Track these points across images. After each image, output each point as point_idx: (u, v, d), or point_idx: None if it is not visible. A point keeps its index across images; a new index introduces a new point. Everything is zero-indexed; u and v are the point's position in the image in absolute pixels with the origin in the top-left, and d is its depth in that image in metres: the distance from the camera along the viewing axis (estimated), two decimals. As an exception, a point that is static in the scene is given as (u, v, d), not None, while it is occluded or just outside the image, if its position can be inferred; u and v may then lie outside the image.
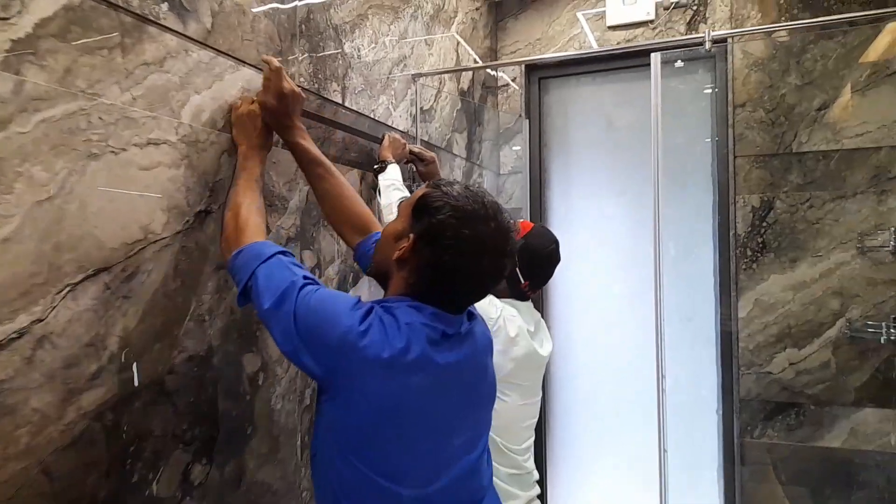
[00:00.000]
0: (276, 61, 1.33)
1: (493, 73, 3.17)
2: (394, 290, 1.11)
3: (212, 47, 1.30)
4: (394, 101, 2.10)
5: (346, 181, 1.40)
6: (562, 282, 3.18)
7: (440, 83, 2.48)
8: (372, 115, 1.95)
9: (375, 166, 1.84)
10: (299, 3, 1.60)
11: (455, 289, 1.07)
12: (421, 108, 2.30)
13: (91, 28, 1.04)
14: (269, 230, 1.44)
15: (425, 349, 1.00)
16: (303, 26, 1.61)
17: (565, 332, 3.18)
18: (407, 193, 1.75)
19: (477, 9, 2.93)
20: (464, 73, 2.76)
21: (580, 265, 3.15)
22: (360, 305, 1.03)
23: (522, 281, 1.66)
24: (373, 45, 1.96)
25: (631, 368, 2.99)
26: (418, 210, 1.07)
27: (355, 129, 1.84)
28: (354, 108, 1.85)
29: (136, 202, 1.12)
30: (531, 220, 3.09)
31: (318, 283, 1.09)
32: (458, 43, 2.69)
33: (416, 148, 2.03)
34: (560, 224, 3.20)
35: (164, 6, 1.18)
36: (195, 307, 1.25)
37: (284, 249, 1.16)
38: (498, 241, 1.04)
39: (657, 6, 2.91)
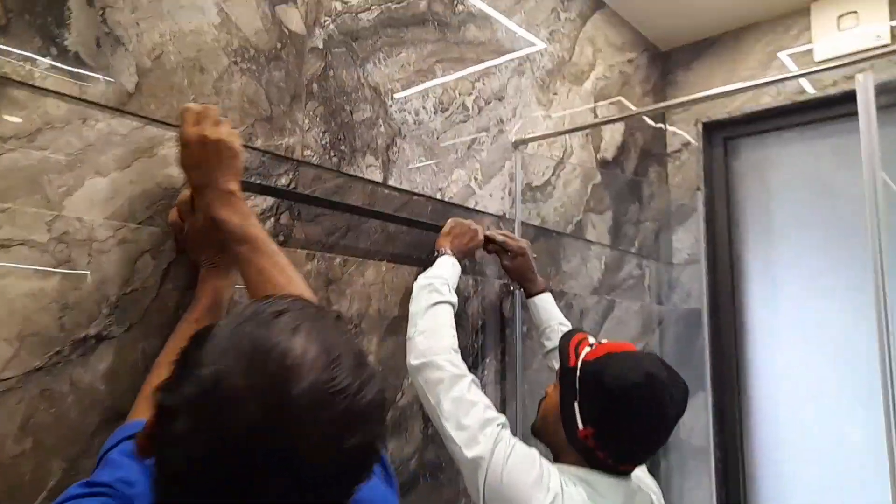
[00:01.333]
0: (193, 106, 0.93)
1: (662, 127, 2.54)
2: None
3: (134, 114, 0.97)
4: (479, 177, 1.62)
5: (285, 264, 0.91)
6: (766, 421, 2.29)
7: (563, 152, 1.94)
8: (439, 196, 1.49)
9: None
10: (310, 57, 1.23)
11: None
12: (528, 185, 1.78)
13: None
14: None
15: None
16: (314, 85, 1.24)
17: (774, 498, 2.25)
18: (448, 299, 1.24)
19: (629, 61, 2.36)
20: (610, 139, 2.19)
21: (796, 397, 2.24)
22: None
23: (580, 428, 1.04)
24: (443, 107, 1.52)
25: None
26: None
27: (403, 216, 1.39)
28: (406, 187, 1.41)
29: (-52, 331, 0.78)
30: (713, 327, 2.31)
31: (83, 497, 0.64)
32: (597, 103, 2.14)
33: (499, 234, 1.50)
34: (761, 333, 2.35)
35: (45, 62, 0.87)
36: (62, 478, 0.86)
37: (125, 436, 0.75)
38: (293, 433, 0.49)
39: (893, 29, 2.07)
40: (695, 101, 1.41)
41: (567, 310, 1.86)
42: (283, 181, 1.18)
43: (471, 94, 1.61)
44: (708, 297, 2.35)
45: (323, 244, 1.23)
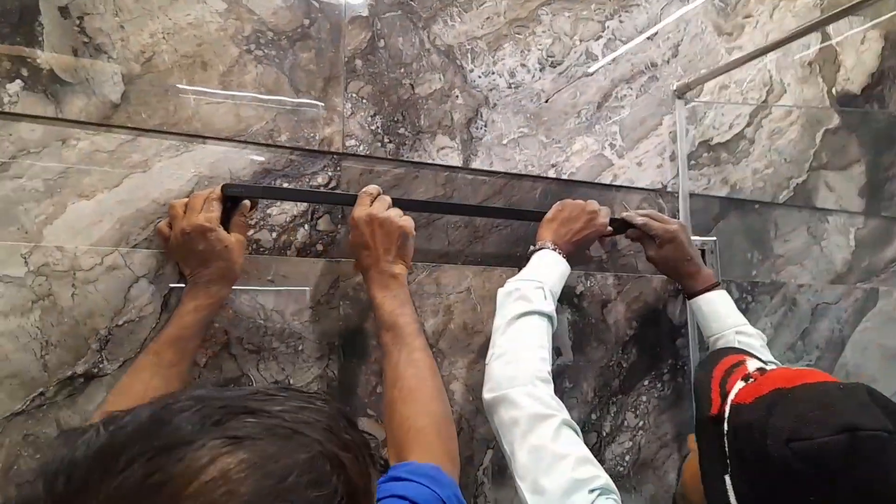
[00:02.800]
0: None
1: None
2: None
3: (122, 126, 0.88)
4: (617, 142, 1.23)
5: (423, 362, 0.83)
6: None
7: (767, 91, 1.41)
8: (552, 174, 1.16)
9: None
10: (350, 29, 1.03)
11: None
12: (705, 143, 1.32)
13: None
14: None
15: None
16: (357, 62, 1.03)
17: None
18: (539, 308, 0.91)
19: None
20: (856, 64, 1.55)
21: None
22: None
23: None
24: (554, 60, 1.19)
25: None
26: None
27: (494, 207, 1.10)
28: (499, 168, 1.12)
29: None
30: None
31: None
32: (831, 18, 1.53)
33: (639, 215, 1.10)
34: None
35: (14, 86, 0.83)
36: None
37: None
38: None
39: None
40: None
41: (788, 308, 1.34)
42: (320, 180, 0.99)
43: (599, 37, 1.24)
44: None
45: (378, 250, 1.01)
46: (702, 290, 1.10)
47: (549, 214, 1.05)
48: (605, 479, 0.74)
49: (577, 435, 0.80)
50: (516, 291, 0.94)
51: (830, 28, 1.53)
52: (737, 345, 1.03)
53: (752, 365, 0.75)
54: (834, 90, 1.52)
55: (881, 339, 1.44)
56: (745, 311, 1.28)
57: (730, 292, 1.28)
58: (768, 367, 0.74)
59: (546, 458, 0.76)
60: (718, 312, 1.08)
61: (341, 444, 0.44)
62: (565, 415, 0.81)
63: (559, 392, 1.11)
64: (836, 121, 1.50)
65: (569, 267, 1.00)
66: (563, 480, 0.73)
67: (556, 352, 1.12)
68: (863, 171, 1.52)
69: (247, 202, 0.89)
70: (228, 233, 0.84)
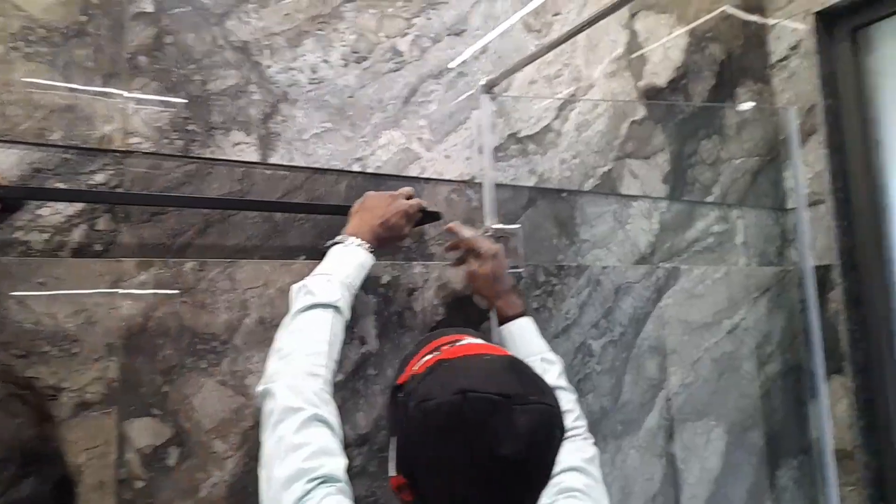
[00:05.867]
0: None
1: (758, 25, 1.93)
2: None
3: None
4: (425, 136, 1.28)
5: None
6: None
7: (576, 87, 1.51)
8: (357, 168, 1.20)
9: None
10: (133, 25, 1.02)
11: None
12: (513, 136, 1.40)
13: None
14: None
15: None
16: (141, 58, 1.02)
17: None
18: (322, 300, 0.94)
19: (693, -46, 1.80)
20: (663, 60, 1.68)
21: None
22: None
23: (391, 475, 0.72)
24: (359, 56, 1.22)
25: None
26: None
27: (293, 202, 1.13)
28: (301, 163, 1.14)
29: None
30: (849, 288, 1.69)
31: None
32: (636, 15, 1.64)
33: (466, 231, 1.18)
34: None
35: None
36: None
37: None
38: None
39: None
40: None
41: (593, 287, 1.45)
42: (100, 179, 0.98)
43: (405, 34, 1.28)
44: (840, 248, 1.74)
45: (166, 248, 1.02)
46: (514, 316, 1.15)
47: (353, 207, 1.08)
48: (330, 468, 0.75)
49: (328, 429, 0.81)
50: (304, 287, 0.96)
51: (639, 25, 1.65)
52: (543, 371, 1.08)
53: (467, 341, 0.80)
54: (640, 84, 1.64)
55: (681, 314, 1.59)
56: (551, 294, 1.39)
57: (536, 276, 1.38)
58: (462, 342, 0.80)
59: (284, 447, 0.77)
60: (526, 338, 1.14)
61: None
62: (320, 410, 0.82)
63: (363, 379, 1.16)
64: (641, 113, 1.62)
65: (370, 256, 1.03)
66: (291, 469, 0.74)
67: (361, 340, 1.17)
68: (667, 160, 1.65)
69: None
70: None
